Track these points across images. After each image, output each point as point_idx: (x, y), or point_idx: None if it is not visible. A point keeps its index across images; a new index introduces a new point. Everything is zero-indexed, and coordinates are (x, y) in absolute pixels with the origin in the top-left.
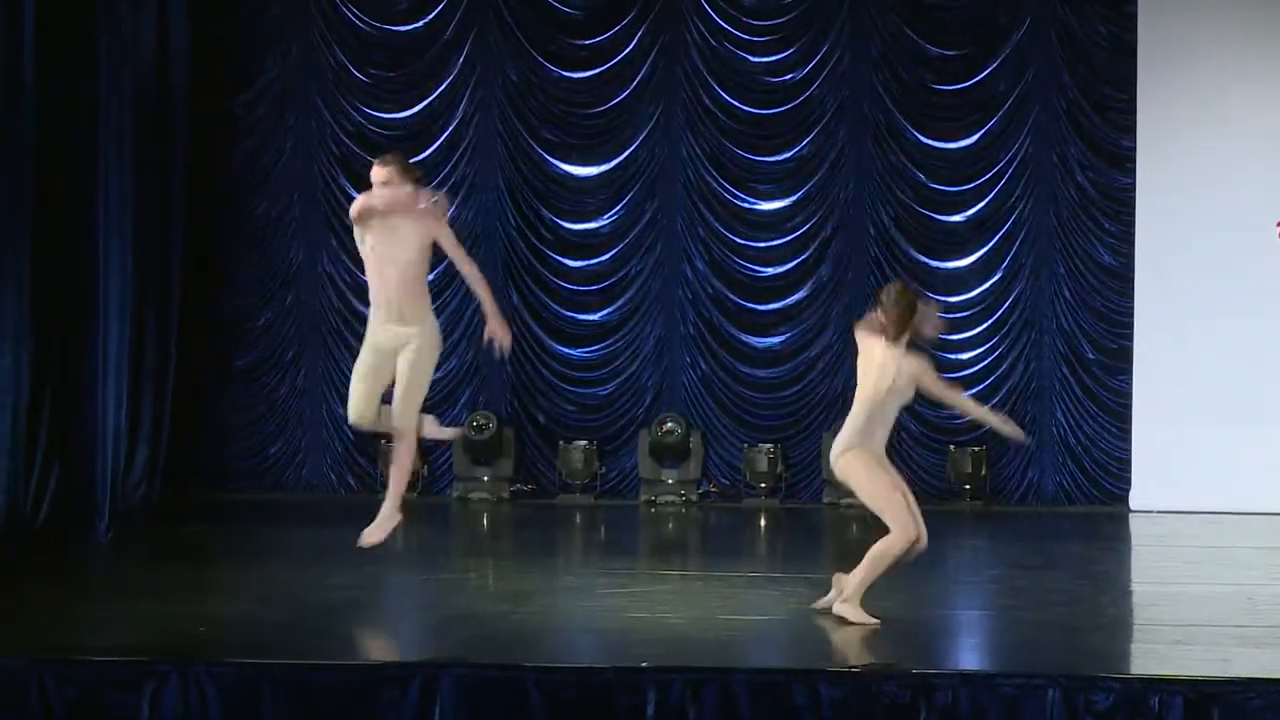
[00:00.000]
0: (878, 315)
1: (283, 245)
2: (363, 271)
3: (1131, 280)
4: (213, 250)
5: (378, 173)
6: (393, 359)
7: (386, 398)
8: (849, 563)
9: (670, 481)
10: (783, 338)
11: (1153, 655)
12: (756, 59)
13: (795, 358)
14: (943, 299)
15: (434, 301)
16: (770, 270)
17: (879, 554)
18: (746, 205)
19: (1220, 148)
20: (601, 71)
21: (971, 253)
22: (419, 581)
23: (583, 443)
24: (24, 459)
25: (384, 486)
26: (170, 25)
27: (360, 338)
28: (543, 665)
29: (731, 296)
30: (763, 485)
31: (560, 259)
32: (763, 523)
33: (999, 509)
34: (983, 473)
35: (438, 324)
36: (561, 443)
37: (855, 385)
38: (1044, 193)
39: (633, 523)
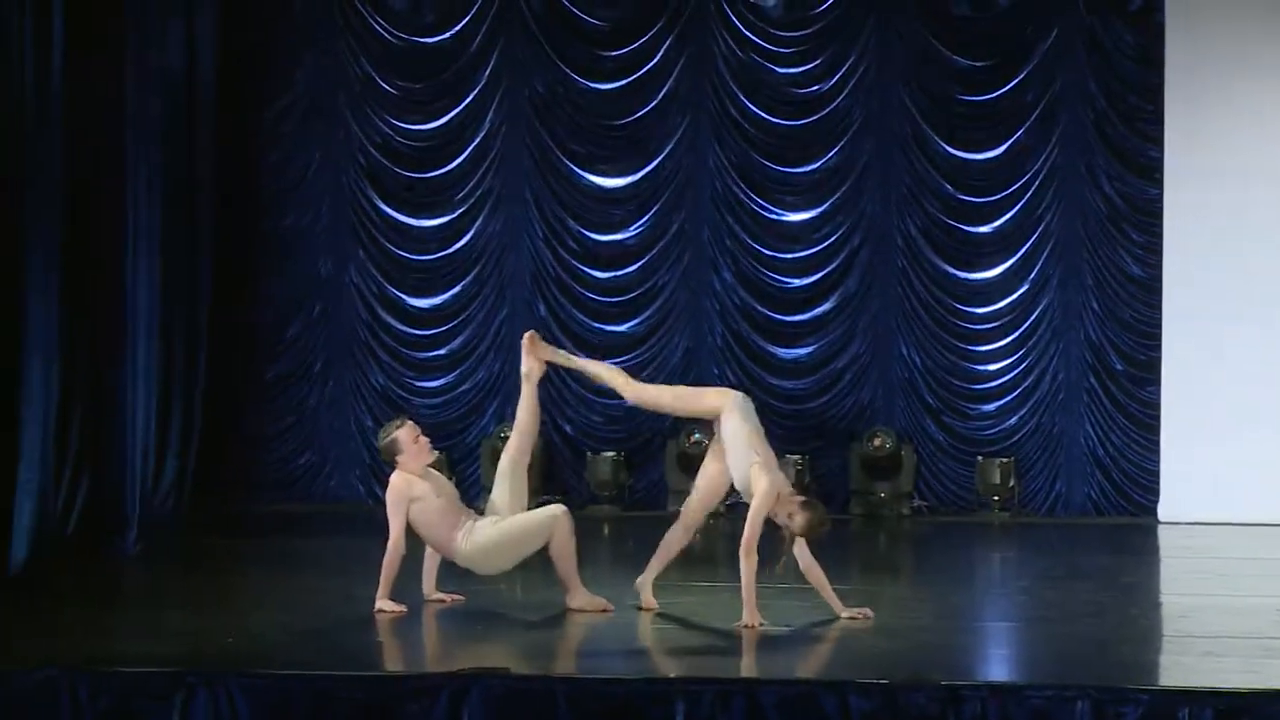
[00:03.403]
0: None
1: (310, 256)
2: (390, 281)
3: (1159, 291)
4: (241, 261)
5: None
6: None
7: None
8: (879, 572)
9: None
10: (809, 349)
11: (1182, 667)
12: (783, 70)
13: (822, 369)
14: (970, 310)
15: (460, 316)
16: (797, 281)
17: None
18: (773, 216)
19: (1248, 158)
20: (628, 83)
21: (999, 264)
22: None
23: (610, 454)
24: (53, 471)
25: None
26: (197, 39)
27: (387, 348)
28: (571, 676)
29: (759, 308)
30: None
31: (587, 270)
32: None
33: (1027, 520)
34: (1011, 484)
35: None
36: (589, 454)
37: (881, 398)
38: (1071, 203)
39: (660, 534)
